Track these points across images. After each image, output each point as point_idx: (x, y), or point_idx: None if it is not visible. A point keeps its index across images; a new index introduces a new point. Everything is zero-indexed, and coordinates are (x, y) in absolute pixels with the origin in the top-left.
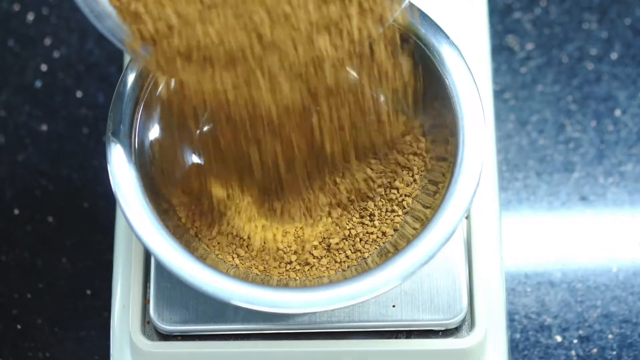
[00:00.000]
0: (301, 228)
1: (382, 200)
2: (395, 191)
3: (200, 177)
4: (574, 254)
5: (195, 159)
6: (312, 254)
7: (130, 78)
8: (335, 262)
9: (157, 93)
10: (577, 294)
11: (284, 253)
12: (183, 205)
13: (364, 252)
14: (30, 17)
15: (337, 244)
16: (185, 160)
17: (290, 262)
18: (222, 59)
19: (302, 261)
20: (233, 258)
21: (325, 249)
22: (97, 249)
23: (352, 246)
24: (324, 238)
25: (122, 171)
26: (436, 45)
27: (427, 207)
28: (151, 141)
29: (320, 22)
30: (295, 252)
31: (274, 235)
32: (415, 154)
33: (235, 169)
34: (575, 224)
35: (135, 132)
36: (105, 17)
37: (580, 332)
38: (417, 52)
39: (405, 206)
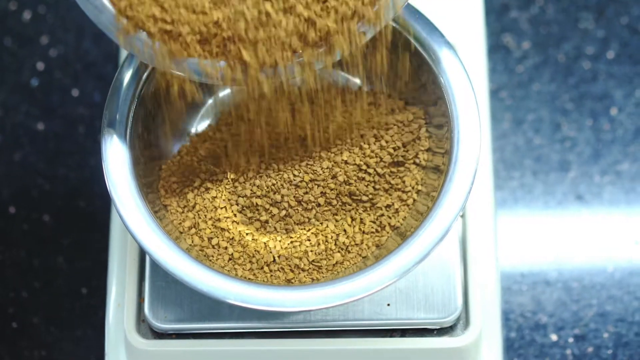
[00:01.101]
0: (297, 235)
1: (380, 198)
2: (392, 190)
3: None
4: (570, 253)
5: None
6: (308, 260)
7: (126, 76)
8: (333, 264)
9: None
10: (573, 293)
11: (277, 263)
12: (176, 209)
13: (361, 252)
14: (27, 15)
15: (334, 246)
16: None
17: (283, 270)
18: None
19: (295, 267)
20: (226, 263)
21: (322, 251)
22: (93, 248)
23: (350, 246)
24: (321, 242)
25: (117, 169)
26: (431, 44)
27: (423, 205)
28: (146, 139)
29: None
30: (288, 259)
31: (266, 243)
32: (412, 149)
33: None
34: (571, 223)
35: (130, 130)
36: (102, 10)
37: (576, 331)
38: (412, 51)
39: (403, 205)
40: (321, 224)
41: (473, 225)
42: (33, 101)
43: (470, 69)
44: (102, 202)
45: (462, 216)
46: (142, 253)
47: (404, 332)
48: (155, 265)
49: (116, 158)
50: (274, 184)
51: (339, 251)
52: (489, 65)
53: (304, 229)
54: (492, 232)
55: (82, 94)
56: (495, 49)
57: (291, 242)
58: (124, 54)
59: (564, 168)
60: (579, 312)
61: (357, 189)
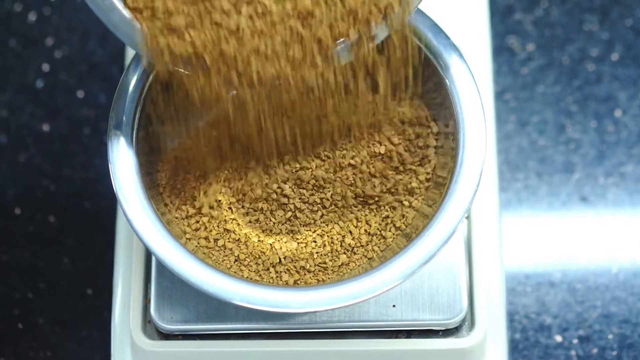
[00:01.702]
0: (302, 236)
1: (386, 200)
2: (398, 192)
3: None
4: (574, 255)
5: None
6: (313, 261)
7: (132, 77)
8: (339, 266)
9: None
10: (577, 294)
11: (283, 264)
12: (182, 210)
13: (367, 253)
14: (32, 17)
15: (340, 247)
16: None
17: (289, 271)
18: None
19: (300, 269)
20: (232, 264)
21: (328, 252)
22: (98, 248)
23: (355, 247)
24: (327, 243)
25: (123, 170)
26: (437, 46)
27: (429, 207)
28: (152, 141)
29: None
30: (294, 260)
31: (272, 244)
32: (419, 150)
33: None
34: (575, 225)
35: (136, 132)
36: (112, 11)
37: (580, 332)
38: (418, 53)
39: (409, 206)
40: (327, 225)
41: (478, 227)
42: (38, 102)
43: (475, 71)
44: (106, 203)
45: (468, 218)
46: (148, 254)
47: (409, 333)
48: (161, 266)
49: (122, 160)
50: (279, 186)
51: (344, 252)
52: (493, 67)
53: (310, 230)
54: (497, 234)
55: (87, 95)
56: (500, 50)
57: (297, 243)
58: (129, 55)
59: (569, 169)
60: (583, 314)
61: (364, 191)
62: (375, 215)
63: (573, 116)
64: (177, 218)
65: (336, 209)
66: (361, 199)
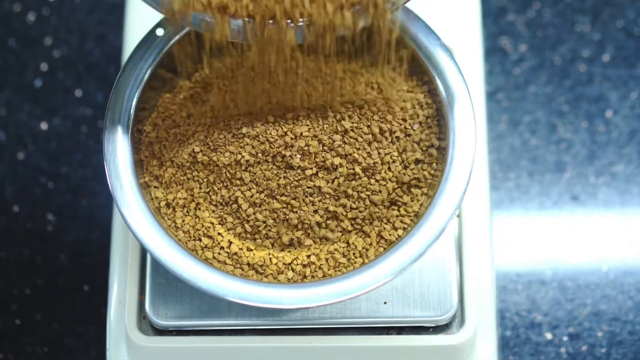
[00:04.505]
0: (304, 249)
1: (385, 216)
2: (398, 207)
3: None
4: (565, 253)
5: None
6: (309, 264)
7: (128, 77)
8: (331, 267)
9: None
10: (568, 293)
11: (281, 272)
12: (177, 211)
13: (363, 258)
14: (31, 17)
15: (338, 254)
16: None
17: (283, 271)
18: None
19: (297, 272)
20: (226, 264)
21: (324, 256)
22: (95, 245)
23: (352, 257)
24: (320, 251)
25: (118, 169)
26: (428, 46)
27: (421, 206)
28: (148, 137)
29: None
30: (292, 269)
31: (265, 257)
32: (424, 160)
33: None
34: (566, 224)
35: (132, 130)
36: None
37: (570, 329)
38: (408, 54)
39: (407, 217)
40: (323, 237)
41: (469, 225)
42: (36, 101)
43: (467, 72)
44: (104, 201)
45: (459, 216)
46: (143, 251)
47: (400, 330)
48: (156, 263)
49: (118, 158)
50: (271, 210)
51: (337, 259)
52: (486, 68)
53: (304, 242)
54: (488, 232)
55: (84, 95)
56: (493, 51)
57: (292, 252)
58: (126, 54)
59: (560, 169)
60: (573, 311)
61: (365, 214)
62: (373, 228)
63: (564, 116)
64: (172, 216)
65: (333, 226)
66: (359, 220)
